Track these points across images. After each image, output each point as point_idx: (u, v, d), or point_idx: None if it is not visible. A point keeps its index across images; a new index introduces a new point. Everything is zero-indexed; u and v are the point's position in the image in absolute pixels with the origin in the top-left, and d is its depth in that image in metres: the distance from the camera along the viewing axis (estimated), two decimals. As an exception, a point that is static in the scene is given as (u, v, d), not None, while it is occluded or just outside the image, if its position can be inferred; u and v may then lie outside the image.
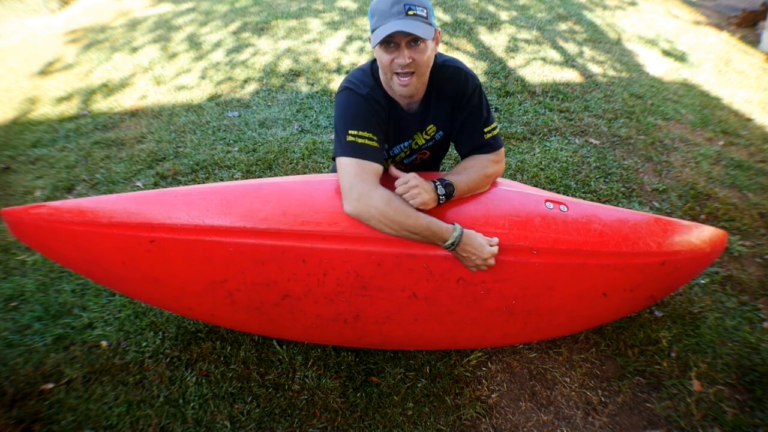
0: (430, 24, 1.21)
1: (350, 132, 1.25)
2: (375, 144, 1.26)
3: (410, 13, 1.17)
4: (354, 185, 1.20)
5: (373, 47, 1.23)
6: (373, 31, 1.22)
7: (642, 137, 2.98)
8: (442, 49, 3.97)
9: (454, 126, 1.42)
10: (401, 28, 1.15)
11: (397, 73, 1.24)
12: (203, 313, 1.53)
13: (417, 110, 1.40)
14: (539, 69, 3.73)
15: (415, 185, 1.24)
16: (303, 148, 2.79)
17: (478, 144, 1.40)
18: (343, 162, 1.23)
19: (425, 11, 1.20)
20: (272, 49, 4.05)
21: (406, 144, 1.46)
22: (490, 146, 1.40)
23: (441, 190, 1.28)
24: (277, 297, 1.41)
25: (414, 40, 1.19)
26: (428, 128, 1.44)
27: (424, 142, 1.47)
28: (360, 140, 1.24)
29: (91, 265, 1.42)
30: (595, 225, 1.42)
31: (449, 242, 1.24)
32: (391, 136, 1.43)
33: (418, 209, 1.23)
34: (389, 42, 1.20)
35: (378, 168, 1.25)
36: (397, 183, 1.27)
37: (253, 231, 1.29)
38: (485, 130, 1.38)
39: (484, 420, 1.51)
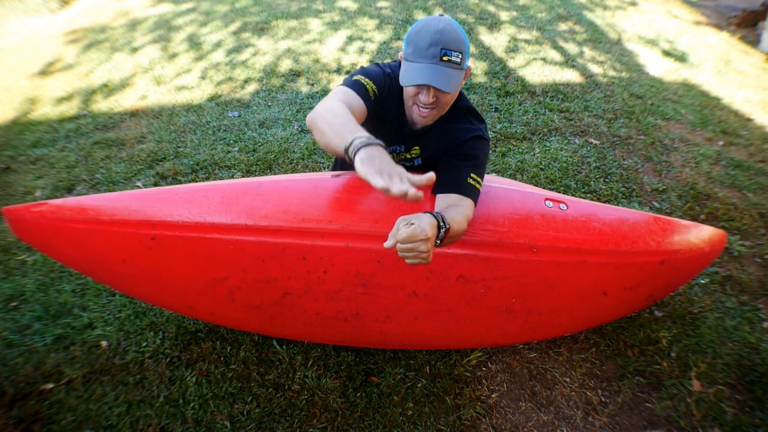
0: (462, 69, 1.19)
1: (359, 76, 1.26)
2: (372, 93, 1.25)
3: (445, 58, 1.14)
4: (324, 99, 1.19)
5: (401, 81, 1.22)
6: (405, 59, 1.21)
7: (642, 137, 2.98)
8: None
9: (437, 160, 1.36)
10: (430, 82, 1.14)
11: (418, 104, 1.24)
12: (204, 312, 1.53)
13: (418, 130, 1.37)
14: (539, 69, 3.73)
15: (425, 250, 0.98)
16: (303, 148, 2.79)
17: (458, 180, 1.25)
18: (337, 87, 1.25)
19: (460, 56, 1.16)
20: (272, 49, 4.05)
21: (397, 149, 1.44)
22: (469, 190, 1.24)
23: (441, 234, 1.07)
24: (278, 295, 1.41)
25: None
26: (413, 149, 1.42)
27: (405, 158, 1.46)
28: (363, 82, 1.25)
29: (92, 263, 1.42)
30: (595, 223, 1.42)
31: (347, 144, 0.98)
32: (390, 135, 1.42)
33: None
34: None
35: (358, 101, 1.21)
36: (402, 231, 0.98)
37: (254, 228, 1.29)
38: (471, 174, 1.26)
39: (484, 420, 1.51)
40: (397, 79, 1.31)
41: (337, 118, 1.08)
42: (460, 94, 1.35)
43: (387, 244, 0.97)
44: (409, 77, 1.18)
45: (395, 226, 0.98)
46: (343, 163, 1.64)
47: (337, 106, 1.13)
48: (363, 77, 1.26)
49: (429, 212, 1.06)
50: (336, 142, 1.03)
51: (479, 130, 1.32)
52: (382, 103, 1.29)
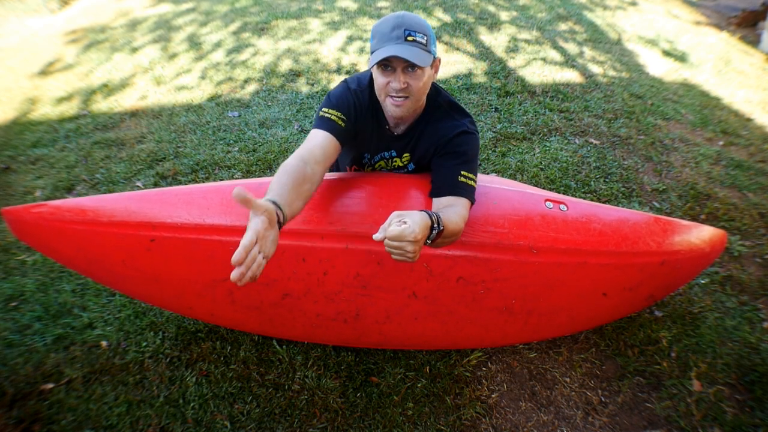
0: (429, 51, 1.20)
1: (324, 109, 1.29)
2: (340, 122, 1.27)
3: (409, 39, 1.16)
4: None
5: (370, 68, 1.23)
6: (372, 52, 1.22)
7: (642, 137, 2.98)
8: (442, 49, 3.97)
9: (429, 161, 1.37)
10: (398, 53, 1.14)
11: (391, 96, 1.24)
12: (203, 313, 1.53)
13: (401, 134, 1.37)
14: (539, 69, 3.73)
15: (412, 251, 0.99)
16: (303, 148, 2.78)
17: (450, 181, 1.26)
18: (311, 132, 1.28)
19: (425, 38, 1.19)
20: (272, 49, 4.05)
21: (386, 155, 1.44)
22: (462, 189, 1.24)
23: (432, 235, 1.07)
24: (277, 296, 1.41)
25: (410, 66, 1.18)
26: (404, 156, 1.42)
27: (398, 166, 1.46)
28: (328, 115, 1.27)
29: (92, 264, 1.43)
30: (595, 224, 1.42)
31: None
32: (372, 145, 1.41)
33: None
34: (386, 65, 1.20)
35: (326, 141, 1.23)
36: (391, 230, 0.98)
37: (253, 230, 1.29)
38: (462, 172, 1.26)
39: (484, 420, 1.51)
40: (363, 92, 1.32)
41: (278, 176, 1.09)
42: (438, 90, 1.35)
43: (376, 236, 0.99)
44: (375, 57, 1.18)
45: (387, 220, 1.00)
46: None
47: (288, 164, 1.13)
48: (327, 110, 1.28)
49: (425, 211, 1.06)
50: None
51: (463, 125, 1.31)
52: (356, 122, 1.31)
